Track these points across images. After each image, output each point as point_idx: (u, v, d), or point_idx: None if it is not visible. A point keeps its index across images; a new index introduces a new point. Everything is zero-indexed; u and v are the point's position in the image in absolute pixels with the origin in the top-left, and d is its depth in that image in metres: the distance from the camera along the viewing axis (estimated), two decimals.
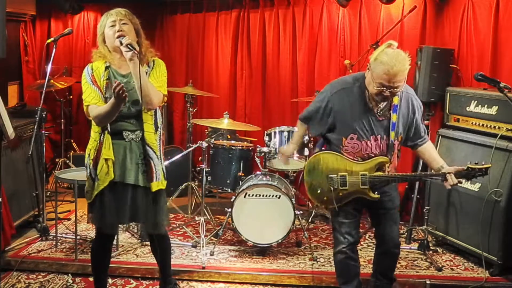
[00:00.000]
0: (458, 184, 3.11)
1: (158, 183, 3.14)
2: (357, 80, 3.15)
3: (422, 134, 3.26)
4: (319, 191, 3.22)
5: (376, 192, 3.18)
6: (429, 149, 3.28)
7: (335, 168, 3.17)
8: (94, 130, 3.14)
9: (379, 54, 2.97)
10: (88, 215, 3.24)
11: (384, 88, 2.93)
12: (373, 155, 3.16)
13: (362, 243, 4.54)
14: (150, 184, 3.10)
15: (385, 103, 3.10)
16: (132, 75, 2.98)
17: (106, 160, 3.04)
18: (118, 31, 3.00)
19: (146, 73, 3.10)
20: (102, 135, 3.07)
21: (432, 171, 3.23)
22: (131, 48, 2.91)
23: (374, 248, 3.53)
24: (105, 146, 3.05)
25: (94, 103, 3.05)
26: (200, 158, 4.76)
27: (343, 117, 3.12)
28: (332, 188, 3.17)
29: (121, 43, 2.94)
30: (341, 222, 3.25)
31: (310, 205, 5.15)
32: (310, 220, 4.98)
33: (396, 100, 3.11)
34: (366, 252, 4.33)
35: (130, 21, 3.07)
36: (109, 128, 3.06)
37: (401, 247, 4.37)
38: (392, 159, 3.19)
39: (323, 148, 3.33)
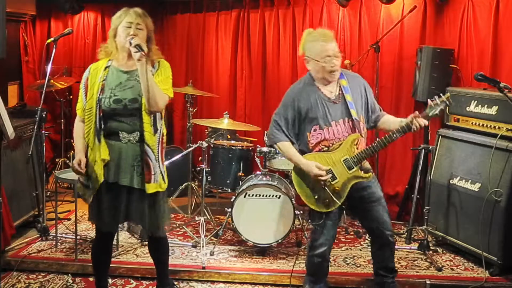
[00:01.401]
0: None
1: (156, 185, 3.11)
2: (304, 80, 3.35)
3: (378, 110, 3.40)
4: (316, 197, 3.23)
5: (363, 172, 3.22)
6: (387, 118, 3.38)
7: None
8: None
9: (306, 40, 3.27)
10: (88, 213, 3.24)
11: (331, 58, 3.17)
12: (341, 138, 3.20)
13: (362, 243, 4.55)
14: (146, 185, 3.07)
15: (336, 89, 3.27)
16: (139, 76, 2.97)
17: (95, 161, 3.04)
18: (130, 35, 3.01)
19: (151, 73, 3.08)
20: (96, 136, 3.06)
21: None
22: (139, 49, 2.92)
23: (370, 246, 3.54)
24: (98, 146, 3.04)
25: (79, 113, 3.15)
26: (200, 158, 4.76)
27: (307, 112, 3.23)
28: (324, 187, 3.19)
29: (130, 44, 2.95)
30: (324, 225, 3.26)
31: None
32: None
33: (344, 83, 3.28)
34: (366, 252, 4.32)
35: (145, 26, 3.08)
36: (102, 130, 3.06)
37: (401, 247, 4.42)
38: (360, 140, 3.23)
39: None
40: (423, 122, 3.12)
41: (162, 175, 3.16)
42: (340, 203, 3.22)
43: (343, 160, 3.20)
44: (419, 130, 3.19)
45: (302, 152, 3.28)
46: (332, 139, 3.22)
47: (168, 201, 3.32)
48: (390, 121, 3.34)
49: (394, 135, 3.17)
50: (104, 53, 3.17)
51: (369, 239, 3.59)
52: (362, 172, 3.23)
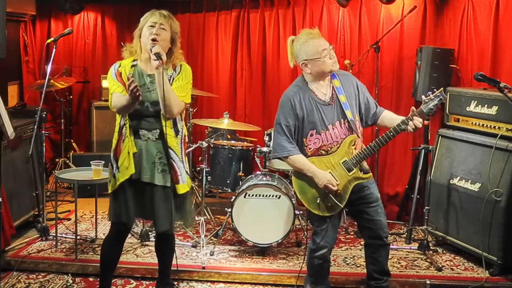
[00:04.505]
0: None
1: (184, 186, 3.21)
2: (297, 85, 3.29)
3: (374, 107, 3.34)
4: (318, 201, 3.23)
5: (363, 172, 3.21)
6: (386, 114, 3.33)
7: None
8: (117, 121, 3.19)
9: (297, 46, 3.20)
10: (110, 210, 3.22)
11: (329, 51, 3.15)
12: (339, 141, 3.19)
13: (362, 243, 4.52)
14: (176, 186, 3.16)
15: (329, 90, 3.23)
16: (156, 83, 3.02)
17: (128, 153, 3.08)
18: (153, 34, 3.03)
19: (171, 77, 3.13)
20: (124, 128, 3.11)
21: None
22: (158, 58, 2.95)
23: (365, 249, 3.50)
24: (130, 140, 3.09)
25: (119, 91, 3.10)
26: (200, 158, 4.77)
27: (303, 118, 3.20)
28: (326, 191, 3.19)
29: (151, 50, 2.99)
30: (325, 227, 3.26)
31: None
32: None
33: (337, 83, 3.25)
34: None
35: (169, 27, 3.11)
36: (129, 123, 3.10)
37: (401, 247, 4.42)
38: (357, 141, 3.21)
39: None
40: (418, 122, 3.08)
41: (187, 173, 3.25)
42: (342, 206, 3.22)
43: (342, 163, 3.19)
44: (419, 130, 3.18)
45: None
46: (330, 143, 3.20)
47: (192, 200, 3.41)
48: (391, 118, 3.29)
49: (391, 133, 3.14)
50: (128, 53, 3.20)
51: (363, 243, 3.55)
52: (362, 173, 3.23)
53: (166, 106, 3.01)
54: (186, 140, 3.31)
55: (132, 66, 3.16)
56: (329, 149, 3.21)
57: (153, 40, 3.02)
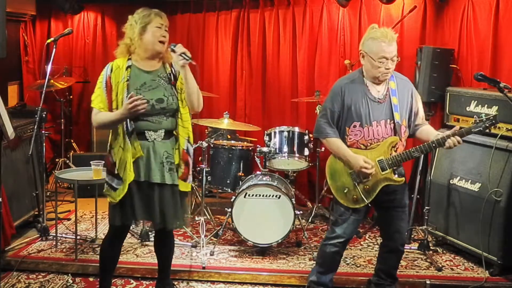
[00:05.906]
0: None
1: (188, 185, 3.27)
2: (353, 76, 3.30)
3: (420, 119, 3.32)
4: (345, 191, 3.24)
5: (396, 175, 3.21)
6: (425, 128, 3.32)
7: None
8: (119, 129, 3.09)
9: (368, 36, 3.18)
10: (110, 216, 3.17)
11: (388, 61, 3.09)
12: (380, 139, 3.19)
13: (362, 243, 4.54)
14: (182, 183, 3.20)
15: (384, 88, 3.22)
16: (184, 81, 3.08)
17: (125, 162, 3.05)
18: (162, 36, 3.12)
19: (172, 73, 3.17)
20: (133, 135, 3.06)
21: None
22: (186, 58, 3.01)
23: (379, 247, 3.55)
24: (134, 148, 3.06)
25: (99, 107, 3.10)
26: (200, 158, 4.76)
27: (350, 108, 3.20)
28: (355, 183, 3.20)
29: (174, 51, 3.04)
30: (347, 218, 3.28)
31: (310, 205, 5.16)
32: (310, 220, 4.98)
33: (393, 85, 3.23)
34: (366, 252, 4.33)
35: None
36: (134, 130, 3.07)
37: None
38: (398, 144, 3.21)
39: None
40: (456, 141, 3.08)
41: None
42: (367, 202, 3.22)
43: (378, 161, 3.19)
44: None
45: None
46: (371, 139, 3.20)
47: None
48: (429, 132, 3.26)
49: (433, 144, 3.14)
50: (124, 50, 3.15)
51: (370, 240, 3.58)
52: (396, 176, 3.21)
53: (198, 100, 3.14)
54: None
55: (128, 67, 3.11)
56: (368, 144, 3.21)
57: (162, 42, 3.10)
